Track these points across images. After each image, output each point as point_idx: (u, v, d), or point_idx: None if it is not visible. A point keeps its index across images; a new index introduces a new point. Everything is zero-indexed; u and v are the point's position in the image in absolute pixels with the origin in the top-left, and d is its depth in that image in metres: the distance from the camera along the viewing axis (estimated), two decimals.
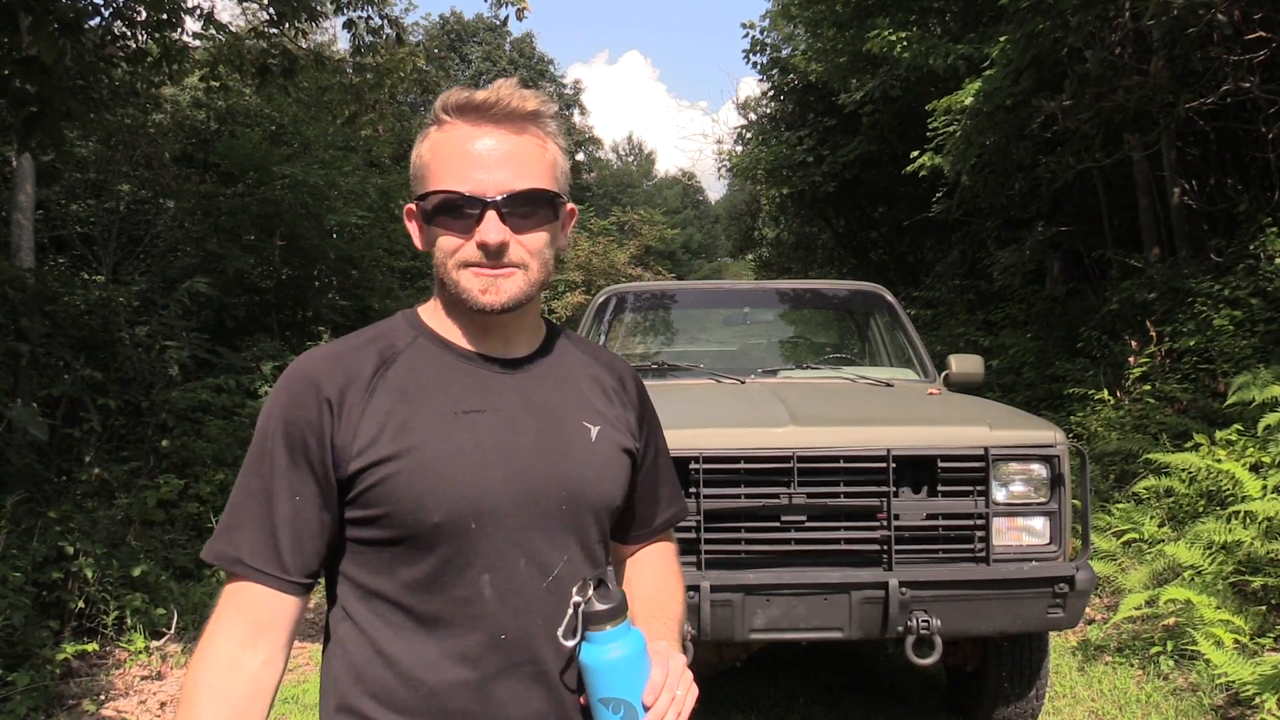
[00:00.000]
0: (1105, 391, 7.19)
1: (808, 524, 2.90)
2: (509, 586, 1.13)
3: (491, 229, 1.11)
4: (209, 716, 1.06)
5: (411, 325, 1.21)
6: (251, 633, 1.09)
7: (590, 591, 1.12)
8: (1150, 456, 5.62)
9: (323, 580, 1.20)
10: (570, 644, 1.11)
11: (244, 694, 1.07)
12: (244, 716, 1.07)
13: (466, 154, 1.12)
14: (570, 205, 1.22)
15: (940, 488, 2.92)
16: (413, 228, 1.22)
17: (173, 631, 4.66)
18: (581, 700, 1.15)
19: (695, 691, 1.15)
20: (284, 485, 1.10)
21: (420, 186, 1.16)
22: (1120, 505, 5.63)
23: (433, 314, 1.22)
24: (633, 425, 1.29)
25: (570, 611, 1.11)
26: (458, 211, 1.12)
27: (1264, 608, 4.16)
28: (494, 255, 1.12)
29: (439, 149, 1.15)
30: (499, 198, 1.11)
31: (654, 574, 1.36)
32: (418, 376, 1.15)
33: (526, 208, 1.13)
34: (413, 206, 1.20)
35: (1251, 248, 7.01)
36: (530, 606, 1.13)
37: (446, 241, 1.14)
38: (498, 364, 1.19)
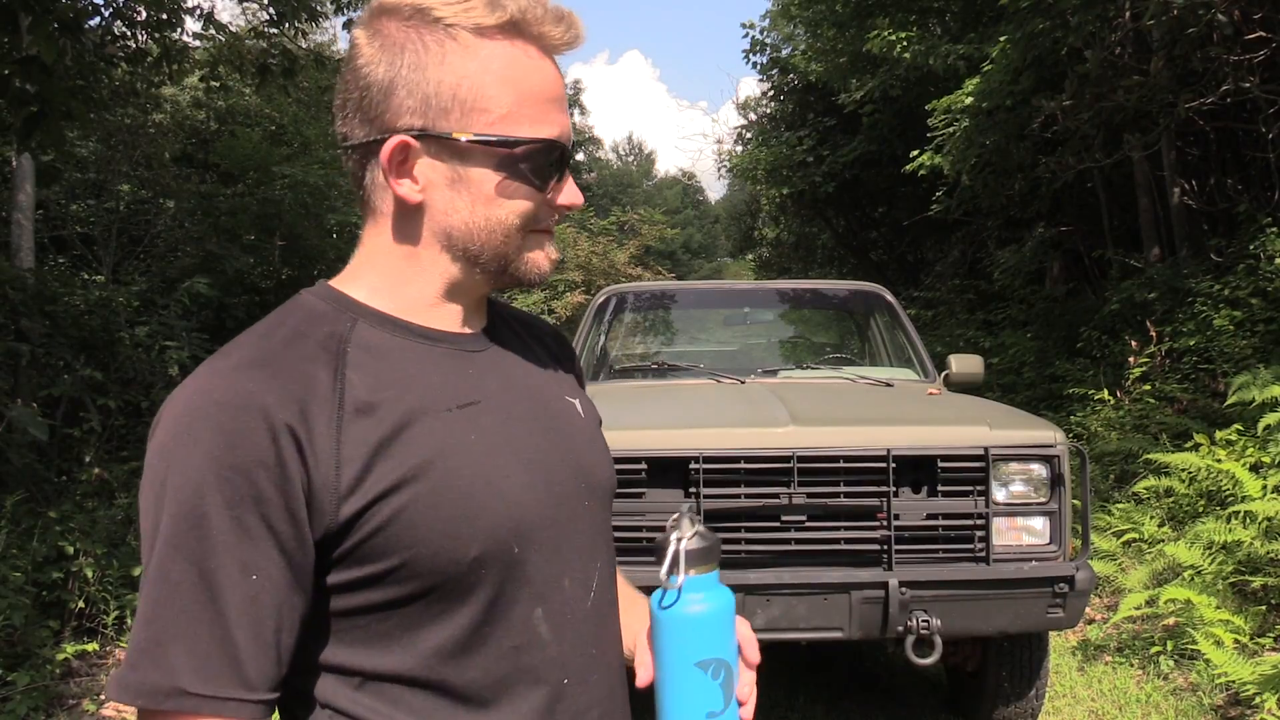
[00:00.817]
0: (1105, 391, 7.20)
1: (808, 524, 2.90)
2: (562, 616, 0.89)
3: (574, 187, 0.91)
4: None
5: (341, 306, 0.88)
6: None
7: (689, 527, 0.91)
8: (1150, 456, 5.62)
9: None
10: (676, 581, 0.89)
11: None
12: None
13: (556, 91, 0.88)
14: None
15: (940, 488, 2.92)
16: (394, 180, 0.85)
17: None
18: (642, 680, 0.94)
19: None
20: (230, 562, 0.74)
21: (473, 121, 0.84)
22: (1120, 505, 5.64)
23: (376, 292, 0.90)
24: (584, 387, 1.11)
25: (672, 547, 0.90)
26: (550, 165, 0.88)
27: (1264, 608, 4.16)
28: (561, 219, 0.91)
29: (519, 71, 0.85)
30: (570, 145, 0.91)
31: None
32: (386, 369, 0.85)
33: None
34: (412, 141, 0.84)
35: (1251, 248, 7.01)
36: (583, 635, 0.91)
37: (523, 203, 0.87)
38: (465, 341, 0.92)
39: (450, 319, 0.92)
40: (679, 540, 0.90)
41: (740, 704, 0.92)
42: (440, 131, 0.84)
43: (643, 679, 0.93)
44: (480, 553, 0.82)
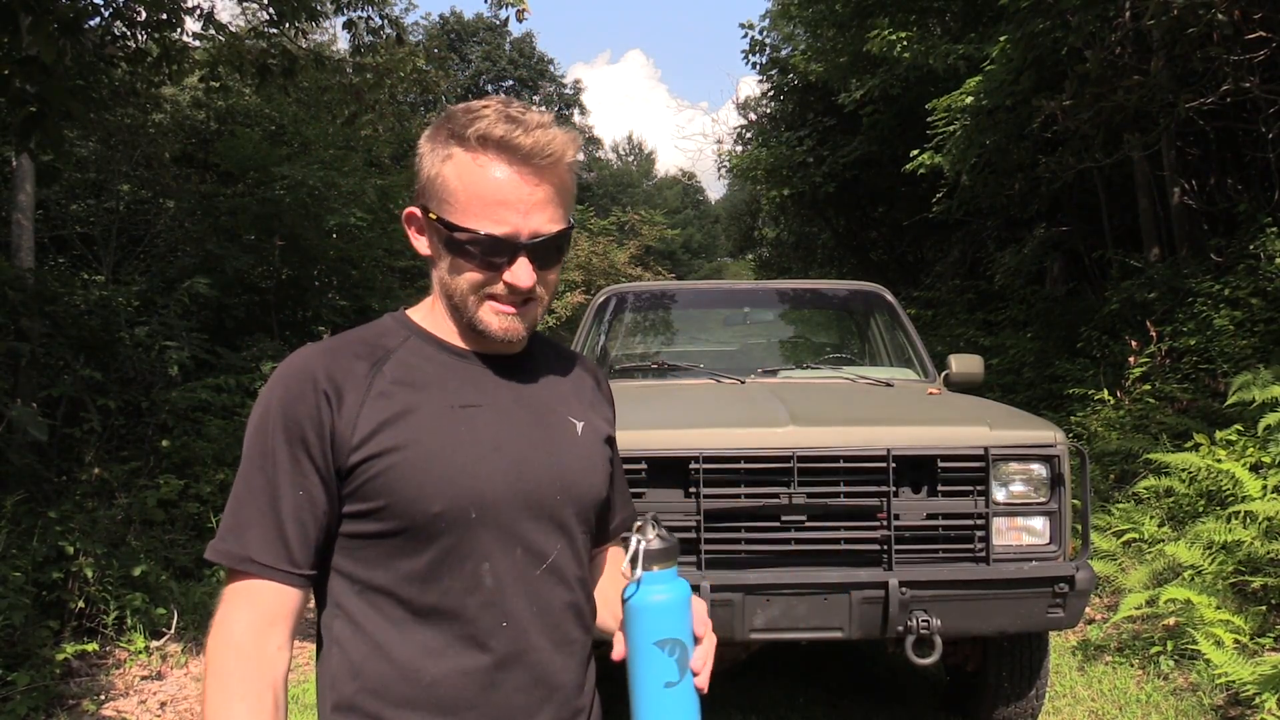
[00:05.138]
0: (1105, 391, 7.20)
1: (808, 524, 2.90)
2: (508, 574, 1.15)
3: (523, 273, 1.14)
4: (239, 694, 1.07)
5: (403, 326, 1.23)
6: (265, 622, 1.10)
7: (650, 532, 1.14)
8: (1150, 456, 5.62)
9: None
10: (636, 574, 1.13)
11: (266, 675, 1.09)
12: (269, 695, 1.08)
13: (503, 196, 1.12)
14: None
15: (940, 488, 2.92)
16: (414, 233, 1.22)
17: (173, 631, 4.66)
18: (616, 655, 1.17)
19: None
20: (287, 480, 1.11)
21: (441, 208, 1.15)
22: (1120, 505, 5.63)
23: (427, 316, 1.24)
24: (611, 420, 1.35)
25: (633, 547, 1.14)
26: (489, 251, 1.13)
27: (1264, 608, 4.16)
28: (521, 294, 1.16)
29: (469, 178, 1.13)
30: (532, 242, 1.13)
31: (610, 577, 1.36)
32: (414, 372, 1.17)
33: (553, 249, 1.16)
34: (416, 211, 1.20)
35: (1251, 248, 7.01)
36: (526, 593, 1.16)
37: (471, 275, 1.15)
38: (492, 361, 1.22)
39: (481, 342, 1.21)
40: (640, 542, 1.13)
41: (694, 674, 1.15)
42: (421, 204, 1.19)
43: (617, 654, 1.18)
44: (441, 510, 1.11)
